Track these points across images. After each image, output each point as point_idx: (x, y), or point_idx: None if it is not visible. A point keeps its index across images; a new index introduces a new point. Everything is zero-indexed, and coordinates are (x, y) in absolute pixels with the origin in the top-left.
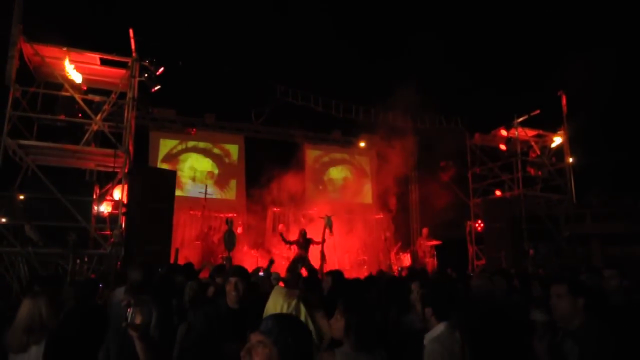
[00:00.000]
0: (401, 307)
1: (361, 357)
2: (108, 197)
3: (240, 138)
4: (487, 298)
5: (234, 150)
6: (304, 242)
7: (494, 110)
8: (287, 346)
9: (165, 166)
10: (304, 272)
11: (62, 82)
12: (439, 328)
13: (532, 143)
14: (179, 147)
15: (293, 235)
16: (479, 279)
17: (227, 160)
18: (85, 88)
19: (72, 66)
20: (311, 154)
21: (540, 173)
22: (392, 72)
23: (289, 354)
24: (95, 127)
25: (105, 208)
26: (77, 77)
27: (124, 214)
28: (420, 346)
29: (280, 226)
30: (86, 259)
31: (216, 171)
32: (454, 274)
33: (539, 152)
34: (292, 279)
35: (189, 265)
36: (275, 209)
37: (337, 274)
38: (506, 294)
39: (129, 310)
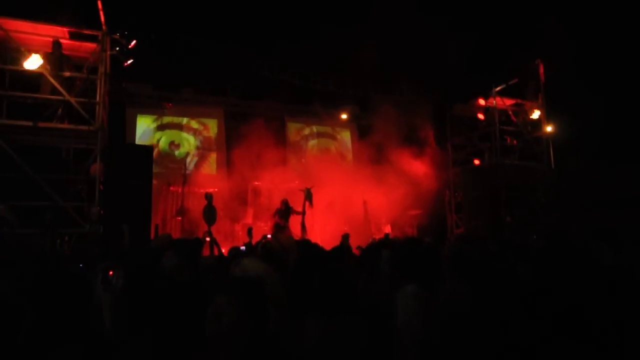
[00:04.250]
0: (371, 274)
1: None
2: (84, 175)
3: (219, 112)
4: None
5: (213, 124)
6: (285, 211)
7: (472, 79)
8: (249, 304)
9: (143, 142)
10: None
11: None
12: (410, 287)
13: (510, 112)
14: (157, 123)
15: (275, 207)
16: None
17: (206, 134)
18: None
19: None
20: (292, 127)
21: (515, 142)
22: (370, 43)
23: (251, 311)
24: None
25: (82, 186)
26: None
27: (101, 191)
28: (387, 312)
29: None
30: (66, 239)
31: (196, 146)
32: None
33: (516, 121)
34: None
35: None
36: (256, 183)
37: (305, 245)
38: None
39: (110, 273)
